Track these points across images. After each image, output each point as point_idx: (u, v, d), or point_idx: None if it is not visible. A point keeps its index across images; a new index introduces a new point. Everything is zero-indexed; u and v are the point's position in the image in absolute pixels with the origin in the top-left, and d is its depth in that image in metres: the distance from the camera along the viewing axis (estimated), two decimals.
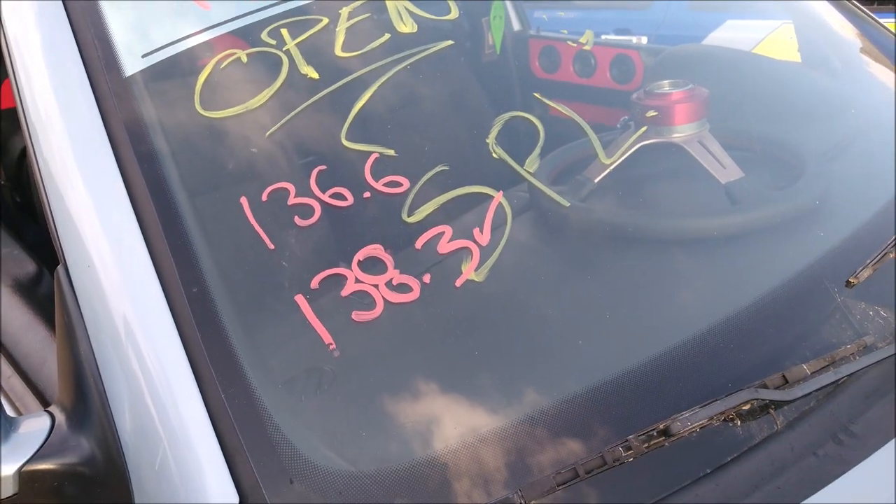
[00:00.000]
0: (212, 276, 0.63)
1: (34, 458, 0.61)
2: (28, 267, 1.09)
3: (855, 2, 1.30)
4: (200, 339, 0.60)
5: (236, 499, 0.54)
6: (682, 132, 0.95)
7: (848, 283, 0.76)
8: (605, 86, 1.45)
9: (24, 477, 0.61)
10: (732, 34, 1.78)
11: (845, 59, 1.36)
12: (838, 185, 0.91)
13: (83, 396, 0.63)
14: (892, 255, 0.79)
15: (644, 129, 0.86)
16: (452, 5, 0.91)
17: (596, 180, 0.89)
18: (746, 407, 0.63)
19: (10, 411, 0.92)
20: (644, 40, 3.20)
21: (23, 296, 1.03)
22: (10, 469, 0.61)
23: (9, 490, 0.61)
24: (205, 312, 0.61)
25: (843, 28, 1.34)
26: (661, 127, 0.95)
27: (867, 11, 1.31)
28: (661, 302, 0.71)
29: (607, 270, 0.74)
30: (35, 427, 0.63)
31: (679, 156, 0.93)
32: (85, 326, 0.63)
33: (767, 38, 1.57)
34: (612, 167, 0.89)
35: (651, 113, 0.88)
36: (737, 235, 0.83)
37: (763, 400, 0.62)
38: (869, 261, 0.77)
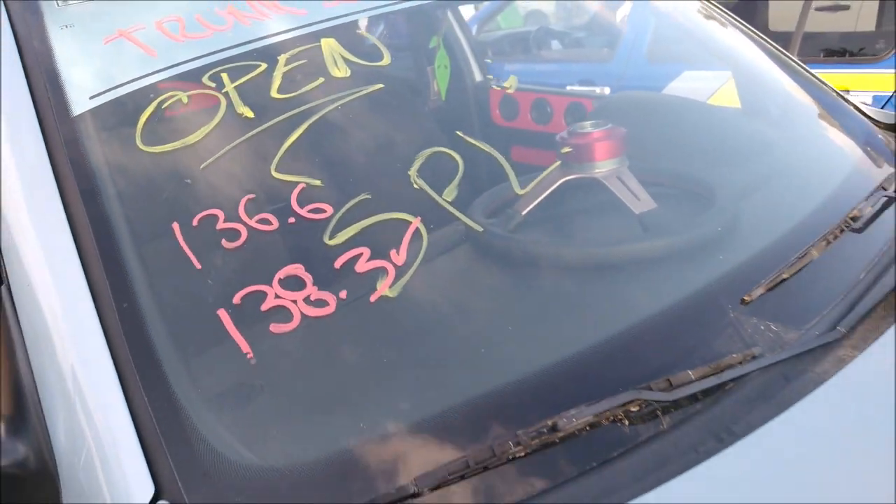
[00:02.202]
0: (141, 292, 0.69)
1: None
2: None
3: (793, 56, 1.41)
4: (128, 349, 0.65)
5: (152, 491, 0.59)
6: (601, 168, 1.02)
7: (743, 301, 0.82)
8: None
9: None
10: (690, 84, 1.89)
11: (781, 106, 1.46)
12: (744, 217, 0.98)
13: (20, 406, 0.68)
14: (785, 276, 0.86)
15: (557, 163, 0.94)
16: (385, 53, 0.99)
17: (523, 213, 0.97)
18: (634, 408, 0.68)
19: None
20: (607, 90, 3.33)
21: None
22: None
23: None
24: (132, 325, 0.66)
25: (780, 78, 1.43)
26: (583, 164, 1.03)
27: (802, 64, 1.41)
28: (562, 316, 0.77)
29: (514, 288, 0.80)
30: None
31: (599, 189, 1.00)
32: (24, 340, 0.69)
33: (723, 88, 1.67)
34: (538, 200, 0.96)
35: (566, 149, 0.96)
36: (645, 259, 0.90)
37: (648, 401, 0.68)
38: (763, 281, 0.84)
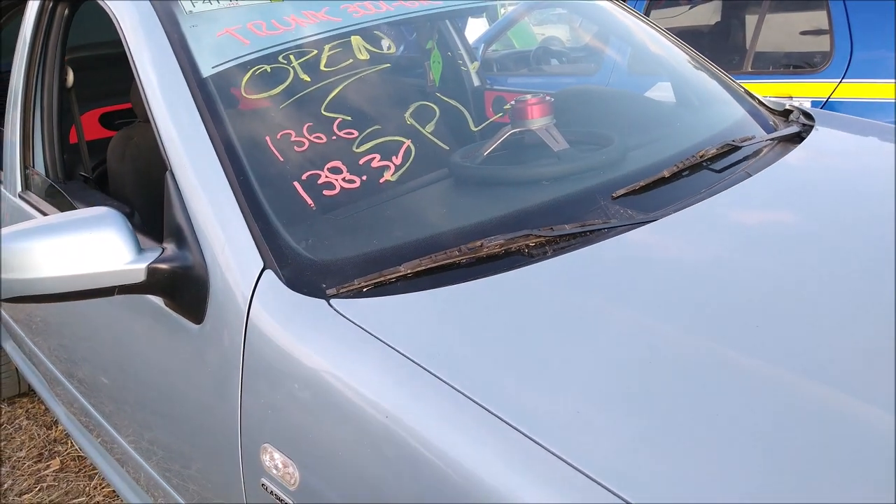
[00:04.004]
0: (250, 172, 1.21)
1: (154, 262, 1.17)
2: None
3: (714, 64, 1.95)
4: (245, 201, 1.17)
5: (261, 266, 1.11)
6: (535, 123, 1.55)
7: (612, 197, 1.33)
8: None
9: (149, 271, 1.17)
10: (661, 93, 2.42)
11: (699, 98, 1.99)
12: (628, 156, 1.50)
13: (181, 232, 1.20)
14: (641, 185, 1.37)
15: (500, 114, 1.47)
16: (393, 46, 1.52)
17: (486, 153, 1.50)
18: (532, 242, 1.19)
19: None
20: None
21: None
22: (141, 265, 1.17)
23: (140, 277, 1.17)
24: (247, 189, 1.18)
25: (705, 80, 1.97)
26: (524, 120, 1.56)
27: (724, 72, 1.97)
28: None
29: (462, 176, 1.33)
30: (154, 248, 1.20)
31: (533, 137, 1.53)
32: (181, 196, 1.21)
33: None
34: (495, 145, 1.49)
35: (507, 106, 1.49)
36: (557, 175, 1.41)
37: (539, 236, 1.18)
38: (627, 188, 1.35)
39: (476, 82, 2.51)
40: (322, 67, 1.42)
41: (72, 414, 2.10)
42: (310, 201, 1.21)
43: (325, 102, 1.36)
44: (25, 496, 2.44)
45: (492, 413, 0.84)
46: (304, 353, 1.01)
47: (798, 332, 0.97)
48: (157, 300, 1.28)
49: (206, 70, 1.35)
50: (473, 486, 0.80)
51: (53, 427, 2.82)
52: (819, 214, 1.32)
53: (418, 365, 0.92)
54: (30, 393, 3.04)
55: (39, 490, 2.46)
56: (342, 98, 1.38)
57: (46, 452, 2.67)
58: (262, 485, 1.07)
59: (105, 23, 1.52)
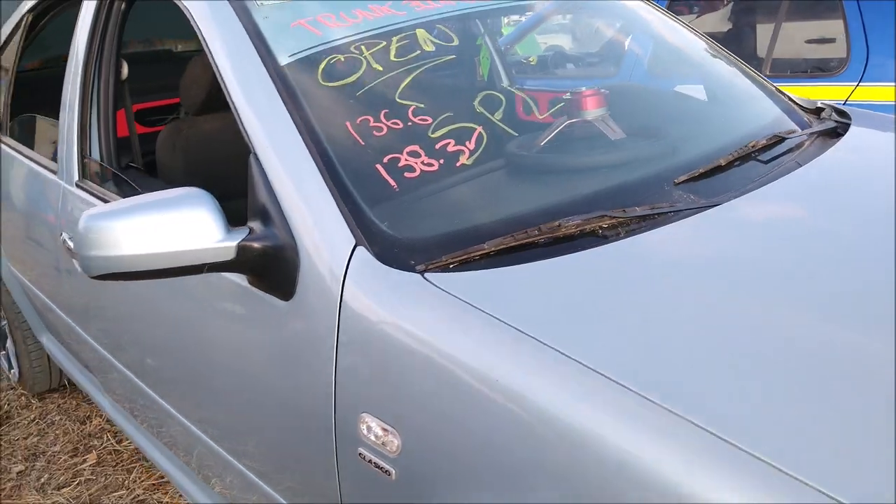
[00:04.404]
0: (333, 155, 1.25)
1: (243, 240, 1.21)
2: None
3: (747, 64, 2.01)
4: (332, 182, 1.21)
5: (353, 243, 1.15)
6: (591, 114, 1.60)
7: (675, 182, 1.38)
8: None
9: (238, 249, 1.21)
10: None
11: (734, 97, 2.04)
12: (682, 145, 1.55)
13: (266, 212, 1.24)
14: (701, 171, 1.42)
15: (562, 104, 1.52)
16: (455, 39, 1.57)
17: (544, 141, 1.55)
18: (606, 223, 1.23)
19: None
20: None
21: None
22: (232, 243, 1.21)
23: (230, 255, 1.21)
24: (331, 171, 1.23)
25: (739, 79, 2.02)
26: (581, 111, 1.61)
27: (755, 70, 2.02)
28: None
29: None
30: (240, 228, 1.24)
31: (590, 127, 1.58)
32: (266, 178, 1.25)
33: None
34: (553, 133, 1.54)
35: (567, 95, 1.54)
36: (618, 163, 1.46)
37: (612, 217, 1.23)
38: (688, 174, 1.40)
39: (506, 81, 2.58)
40: (392, 58, 1.47)
41: (123, 405, 2.13)
42: (393, 183, 1.25)
43: (399, 90, 1.40)
44: (64, 490, 2.47)
45: (597, 372, 0.88)
46: (404, 324, 1.05)
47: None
48: (237, 279, 1.32)
49: (283, 59, 1.40)
50: (586, 441, 0.84)
51: (88, 422, 2.84)
52: (874, 196, 1.37)
53: (520, 331, 0.96)
54: (61, 388, 3.06)
55: (77, 484, 2.49)
56: (414, 86, 1.43)
57: (82, 447, 2.69)
58: (360, 454, 1.11)
59: (134, 22, 1.57)
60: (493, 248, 1.15)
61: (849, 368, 0.89)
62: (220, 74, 1.39)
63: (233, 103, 1.35)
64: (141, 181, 1.84)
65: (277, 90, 1.33)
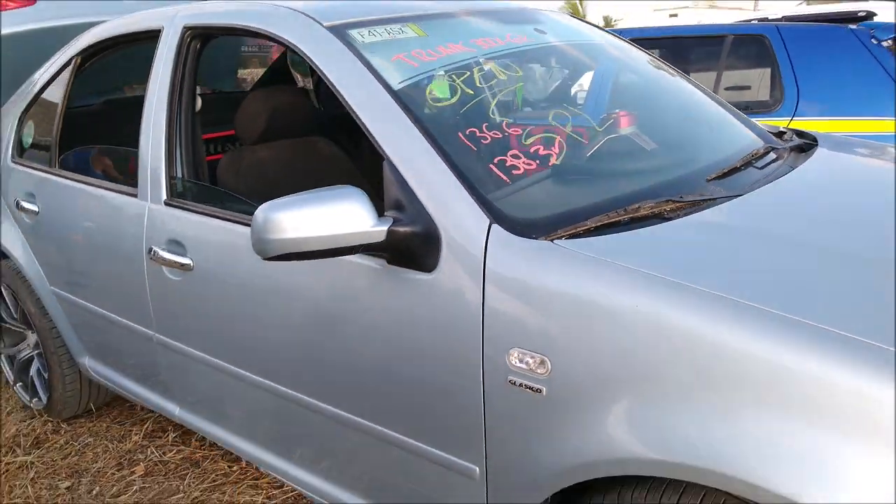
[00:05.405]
0: (451, 155, 1.57)
1: (392, 226, 1.51)
2: None
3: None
4: (457, 173, 1.53)
5: (488, 222, 1.46)
6: (626, 130, 1.98)
7: (707, 179, 1.77)
8: None
9: (388, 232, 1.51)
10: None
11: (711, 123, 2.46)
12: (698, 153, 1.95)
13: (401, 205, 1.54)
14: (726, 170, 1.81)
15: (610, 121, 1.90)
16: (519, 70, 1.93)
17: (593, 149, 1.91)
18: (669, 207, 1.59)
19: None
20: None
21: None
22: (383, 227, 1.50)
23: (381, 238, 1.50)
24: (457, 170, 1.54)
25: (713, 105, 2.44)
26: (619, 129, 1.99)
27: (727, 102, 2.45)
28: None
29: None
30: (386, 218, 1.53)
31: (626, 139, 1.96)
32: (401, 177, 1.55)
33: None
34: (598, 145, 1.91)
35: (608, 123, 1.92)
36: (654, 168, 1.84)
37: (675, 201, 1.59)
38: (717, 172, 1.79)
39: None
40: (477, 84, 1.81)
41: (209, 409, 2.31)
42: (505, 178, 1.58)
43: (490, 108, 1.74)
44: (121, 497, 2.60)
45: (708, 292, 1.22)
46: (545, 275, 1.37)
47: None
48: (372, 263, 1.60)
49: (395, 85, 1.72)
50: (720, 345, 1.18)
51: (125, 440, 2.97)
52: (860, 183, 1.79)
53: (646, 272, 1.30)
54: (86, 413, 3.17)
55: (132, 493, 2.62)
56: (501, 105, 1.77)
57: (126, 461, 2.83)
58: (510, 381, 1.40)
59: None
60: (593, 224, 1.49)
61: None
62: (346, 101, 1.70)
63: (363, 123, 1.66)
64: (228, 197, 2.10)
65: (402, 109, 1.64)
